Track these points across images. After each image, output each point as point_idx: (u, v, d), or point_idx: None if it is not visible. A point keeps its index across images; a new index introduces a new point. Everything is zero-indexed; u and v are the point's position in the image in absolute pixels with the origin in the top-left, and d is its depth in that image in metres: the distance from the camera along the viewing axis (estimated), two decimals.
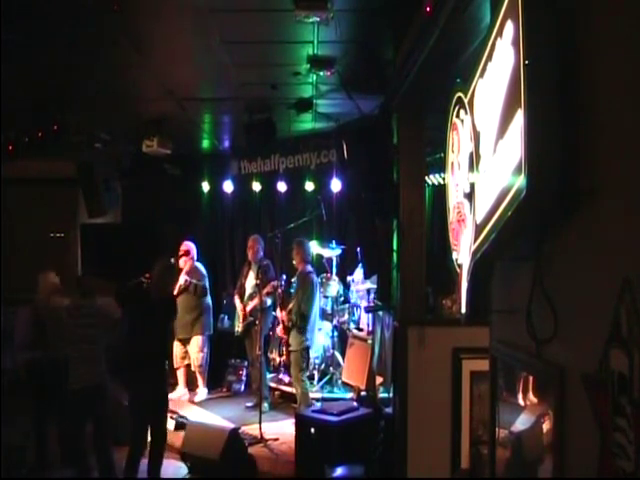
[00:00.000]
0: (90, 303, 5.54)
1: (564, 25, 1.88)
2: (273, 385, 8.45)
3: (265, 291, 7.81)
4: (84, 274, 5.93)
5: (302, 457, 5.81)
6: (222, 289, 9.67)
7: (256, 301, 7.79)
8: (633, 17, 1.58)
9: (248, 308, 8.09)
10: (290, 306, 7.56)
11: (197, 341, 8.33)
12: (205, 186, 9.90)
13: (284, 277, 8.16)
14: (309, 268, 7.69)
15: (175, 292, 7.94)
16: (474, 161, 2.49)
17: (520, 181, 1.82)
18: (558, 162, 1.81)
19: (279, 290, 8.08)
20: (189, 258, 8.36)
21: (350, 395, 7.40)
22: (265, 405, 7.64)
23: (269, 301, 8.11)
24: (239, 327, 8.21)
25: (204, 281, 8.39)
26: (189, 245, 8.48)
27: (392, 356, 5.04)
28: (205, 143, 9.34)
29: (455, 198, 2.94)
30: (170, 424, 6.36)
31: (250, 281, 8.21)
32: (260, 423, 6.84)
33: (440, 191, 6.57)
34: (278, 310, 8.05)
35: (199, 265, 8.48)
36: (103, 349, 5.51)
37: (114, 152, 8.30)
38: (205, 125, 8.37)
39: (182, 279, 8.12)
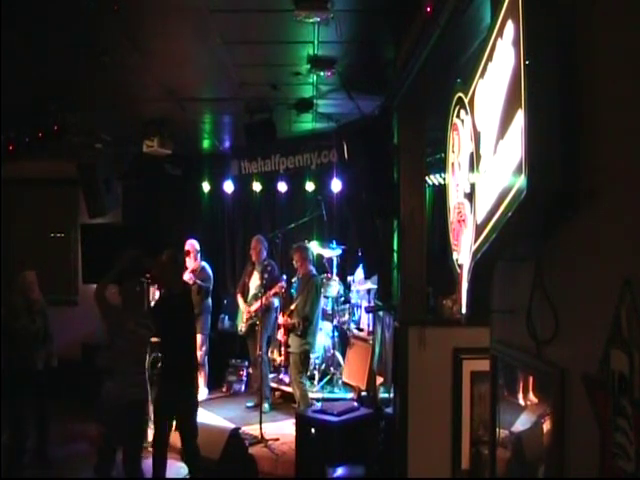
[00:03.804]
0: None
1: (564, 25, 1.88)
2: (274, 385, 8.44)
3: (273, 292, 7.80)
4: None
5: (303, 457, 5.80)
6: (222, 289, 9.67)
7: (263, 300, 7.78)
8: (633, 17, 1.58)
9: (253, 308, 8.07)
10: (292, 307, 7.55)
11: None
12: (205, 186, 9.90)
13: (284, 277, 8.16)
14: (313, 270, 7.69)
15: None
16: (474, 161, 2.49)
17: (521, 181, 1.82)
18: (558, 162, 1.81)
19: (283, 291, 8.08)
20: (194, 257, 8.34)
21: (350, 395, 7.40)
22: (266, 405, 7.63)
23: (276, 302, 8.10)
24: (242, 327, 8.19)
25: (208, 283, 8.35)
26: (192, 244, 8.45)
27: (392, 356, 5.03)
28: (205, 143, 9.33)
29: (455, 198, 2.94)
30: None
31: (254, 281, 8.18)
32: (261, 423, 6.84)
33: (440, 191, 6.57)
34: (280, 314, 8.03)
35: (206, 265, 8.43)
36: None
37: (115, 152, 8.30)
38: (205, 125, 8.37)
39: (187, 277, 8.09)
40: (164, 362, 5.54)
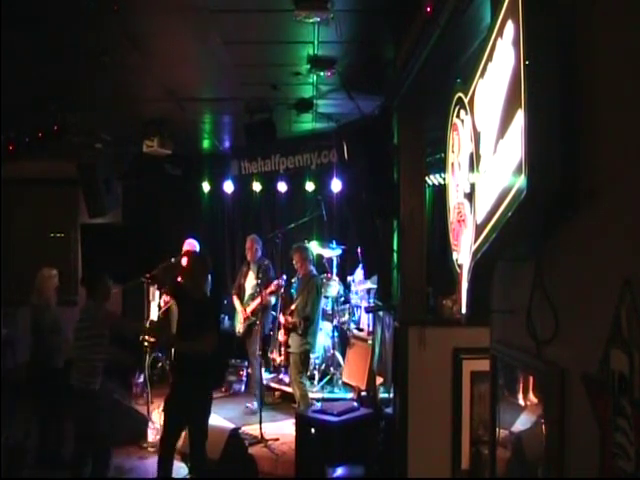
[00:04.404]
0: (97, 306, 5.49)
1: (564, 25, 1.88)
2: (274, 385, 8.44)
3: (269, 290, 7.78)
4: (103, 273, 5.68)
5: (302, 457, 5.80)
6: (222, 289, 9.66)
7: (258, 301, 7.79)
8: (633, 17, 1.58)
9: (249, 309, 8.05)
10: (292, 307, 7.55)
11: None
12: (205, 186, 9.91)
13: (284, 277, 8.16)
14: (313, 270, 7.69)
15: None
16: (474, 161, 2.49)
17: (520, 181, 1.82)
18: (558, 162, 1.81)
19: (281, 290, 8.06)
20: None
21: (350, 395, 7.39)
22: (255, 404, 7.67)
23: (273, 300, 8.09)
24: (240, 328, 8.19)
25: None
26: (192, 244, 8.43)
27: (392, 356, 5.03)
28: (205, 143, 9.34)
29: (455, 198, 2.94)
30: None
31: (250, 281, 8.17)
32: (260, 423, 6.84)
33: (440, 191, 6.57)
34: (280, 314, 8.01)
35: None
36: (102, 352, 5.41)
37: (115, 152, 8.31)
38: (205, 125, 8.37)
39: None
40: (178, 361, 5.45)
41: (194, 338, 5.14)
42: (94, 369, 5.32)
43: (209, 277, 8.28)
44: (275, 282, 7.80)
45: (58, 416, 6.25)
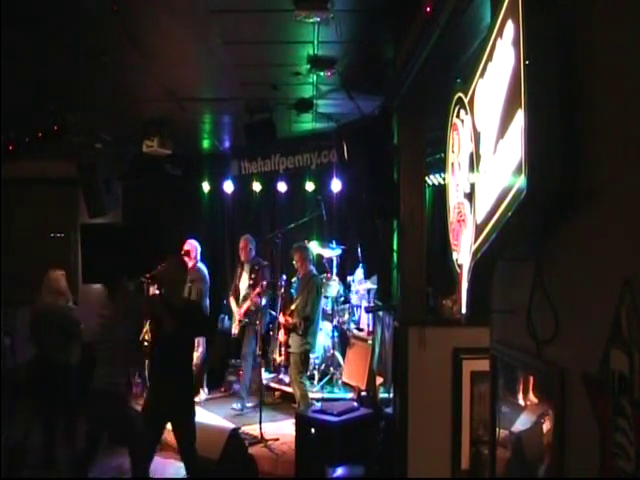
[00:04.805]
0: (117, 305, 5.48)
1: (564, 25, 1.88)
2: (274, 385, 8.45)
3: (256, 292, 7.75)
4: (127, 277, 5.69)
5: (302, 457, 5.80)
6: (222, 289, 9.67)
7: (249, 302, 7.80)
8: (633, 17, 1.58)
9: (242, 309, 8.06)
10: (292, 307, 7.55)
11: None
12: (205, 186, 9.91)
13: (284, 277, 8.14)
14: (313, 270, 7.69)
15: None
16: (474, 161, 2.49)
17: (520, 181, 1.83)
18: (558, 162, 1.81)
19: (281, 291, 8.05)
20: (191, 258, 8.27)
21: (350, 395, 7.39)
22: (238, 404, 7.76)
23: (263, 301, 8.07)
24: (235, 329, 8.19)
25: (203, 285, 8.29)
26: (192, 244, 8.42)
27: (392, 356, 5.03)
28: (205, 143, 9.34)
29: (455, 198, 2.94)
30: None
31: (244, 282, 8.17)
32: (260, 423, 6.84)
33: (440, 191, 6.57)
34: (280, 314, 8.01)
35: (202, 266, 8.39)
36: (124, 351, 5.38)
37: (115, 152, 8.31)
38: (205, 125, 8.37)
39: None
40: (155, 363, 5.27)
41: (176, 356, 4.96)
42: (119, 370, 5.31)
43: (204, 285, 8.29)
44: (262, 282, 7.73)
45: (70, 415, 6.23)
